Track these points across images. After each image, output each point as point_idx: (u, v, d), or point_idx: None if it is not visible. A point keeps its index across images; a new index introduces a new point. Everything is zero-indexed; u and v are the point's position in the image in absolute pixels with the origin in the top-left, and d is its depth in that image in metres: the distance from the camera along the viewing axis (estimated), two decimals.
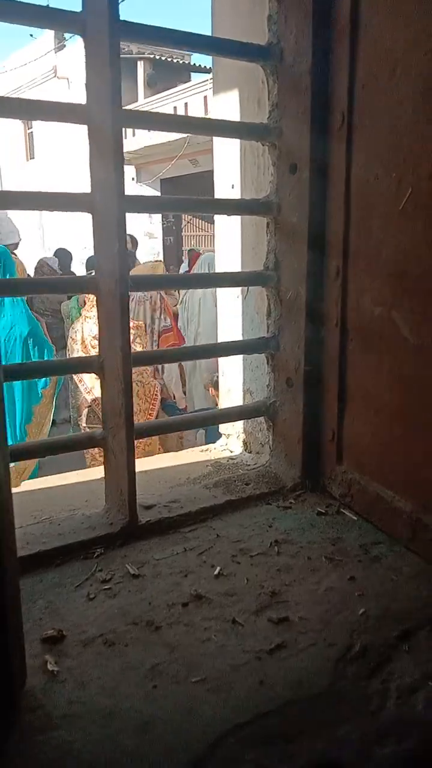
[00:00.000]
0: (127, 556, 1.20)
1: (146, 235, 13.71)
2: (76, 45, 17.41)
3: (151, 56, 17.57)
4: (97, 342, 3.48)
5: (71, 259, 8.00)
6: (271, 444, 1.57)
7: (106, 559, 1.19)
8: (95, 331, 3.38)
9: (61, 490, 1.49)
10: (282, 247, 1.45)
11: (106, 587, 1.10)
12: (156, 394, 3.52)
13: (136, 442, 1.23)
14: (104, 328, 1.25)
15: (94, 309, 3.40)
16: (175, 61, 17.86)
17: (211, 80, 1.64)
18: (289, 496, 1.43)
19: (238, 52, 1.39)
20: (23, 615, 1.02)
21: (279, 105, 1.39)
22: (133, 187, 16.33)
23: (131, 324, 3.53)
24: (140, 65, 17.53)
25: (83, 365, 1.30)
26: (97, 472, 1.48)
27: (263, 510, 1.38)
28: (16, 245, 4.01)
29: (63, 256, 7.62)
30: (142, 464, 1.63)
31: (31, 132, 20.59)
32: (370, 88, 1.20)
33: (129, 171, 16.71)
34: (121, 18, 1.12)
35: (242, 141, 1.54)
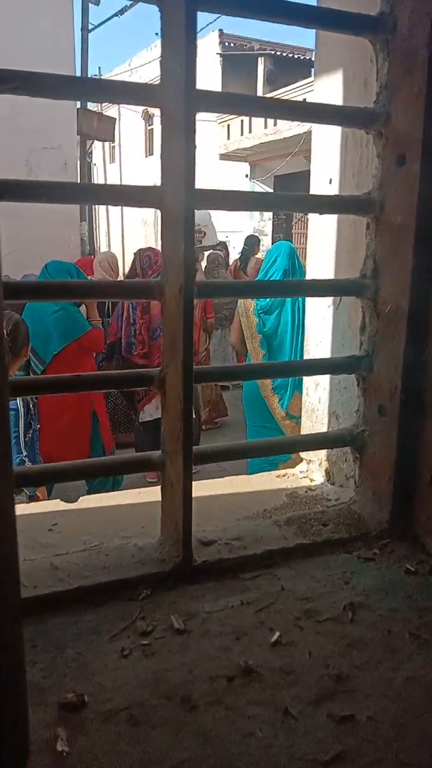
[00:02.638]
0: (175, 603, 1.05)
1: (256, 232, 13.58)
2: (200, 42, 17.57)
3: (272, 52, 17.39)
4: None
5: None
6: (357, 478, 1.37)
7: (151, 603, 1.05)
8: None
9: (117, 510, 1.36)
10: (383, 251, 1.23)
11: (144, 642, 0.95)
12: None
13: None
14: (167, 339, 1.10)
15: None
16: (295, 56, 17.57)
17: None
18: (374, 545, 1.22)
19: (343, 25, 1.19)
20: (48, 665, 0.91)
21: (388, 86, 1.18)
22: (245, 184, 16.25)
23: None
24: (260, 61, 17.40)
25: (142, 380, 1.16)
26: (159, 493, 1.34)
27: (340, 560, 1.18)
28: (213, 247, 4.20)
29: None
30: (207, 488, 1.48)
31: (152, 129, 21.07)
32: None
33: (243, 168, 16.64)
34: None
35: (343, 129, 1.34)
